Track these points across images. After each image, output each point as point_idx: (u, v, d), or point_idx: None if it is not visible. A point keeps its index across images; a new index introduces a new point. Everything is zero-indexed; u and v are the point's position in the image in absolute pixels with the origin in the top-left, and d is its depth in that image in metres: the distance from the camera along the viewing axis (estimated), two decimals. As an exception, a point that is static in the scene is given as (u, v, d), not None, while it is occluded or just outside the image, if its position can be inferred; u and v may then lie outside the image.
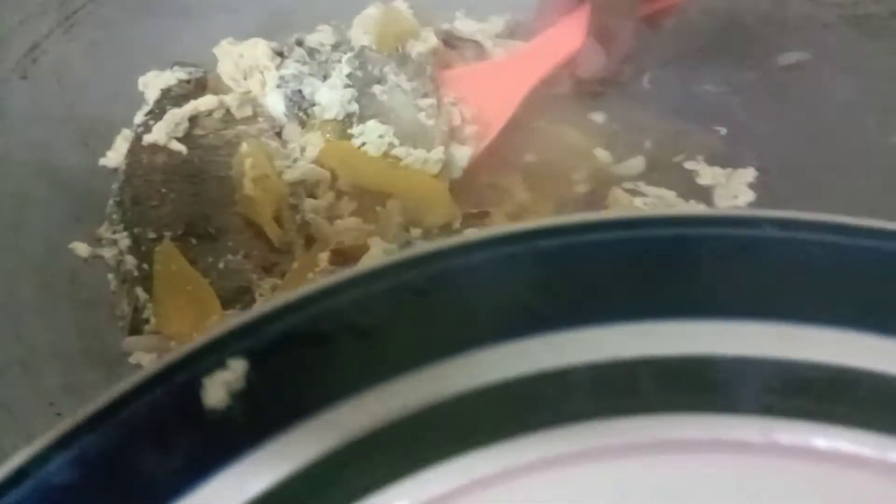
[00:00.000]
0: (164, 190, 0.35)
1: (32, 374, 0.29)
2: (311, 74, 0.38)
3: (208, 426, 0.16)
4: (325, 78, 0.38)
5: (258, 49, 0.39)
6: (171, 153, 0.36)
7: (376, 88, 0.36)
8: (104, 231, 0.35)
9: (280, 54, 0.39)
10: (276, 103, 0.38)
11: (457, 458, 0.17)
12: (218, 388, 0.16)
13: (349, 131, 0.36)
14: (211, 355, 0.17)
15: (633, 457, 0.17)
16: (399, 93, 0.37)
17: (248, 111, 0.38)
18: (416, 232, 0.34)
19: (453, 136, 0.37)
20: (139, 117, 0.38)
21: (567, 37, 0.39)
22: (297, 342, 0.17)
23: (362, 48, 0.38)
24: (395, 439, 0.17)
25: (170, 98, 0.38)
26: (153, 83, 0.40)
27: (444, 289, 0.18)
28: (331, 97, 0.36)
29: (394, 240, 0.32)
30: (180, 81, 0.39)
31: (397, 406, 0.17)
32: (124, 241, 0.33)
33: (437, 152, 0.35)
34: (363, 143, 0.35)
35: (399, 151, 0.35)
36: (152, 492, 0.16)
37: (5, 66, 0.37)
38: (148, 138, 0.36)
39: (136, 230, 0.33)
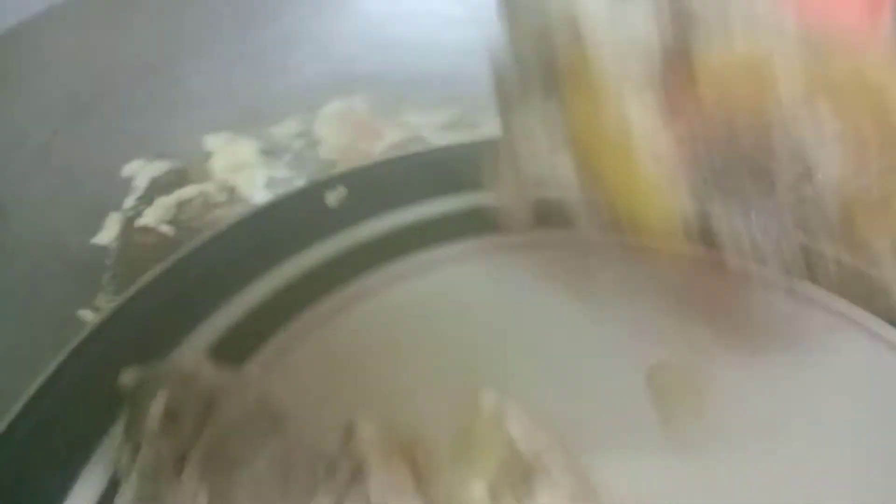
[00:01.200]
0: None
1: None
2: None
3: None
4: None
5: (247, 148, 0.46)
6: (159, 235, 0.42)
7: None
8: (101, 300, 0.40)
9: (269, 153, 0.46)
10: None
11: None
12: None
13: None
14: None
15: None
16: None
17: (224, 197, 0.45)
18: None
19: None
20: (129, 202, 0.44)
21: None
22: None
23: None
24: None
25: (158, 186, 0.44)
26: (137, 171, 0.46)
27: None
28: None
29: None
30: (168, 171, 0.45)
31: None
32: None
33: None
34: None
35: None
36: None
37: (22, 160, 0.43)
38: (140, 221, 0.42)
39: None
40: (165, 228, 0.42)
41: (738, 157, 0.20)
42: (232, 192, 0.46)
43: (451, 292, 0.28)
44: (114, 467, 0.24)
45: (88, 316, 0.40)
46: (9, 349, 0.36)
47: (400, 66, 0.55)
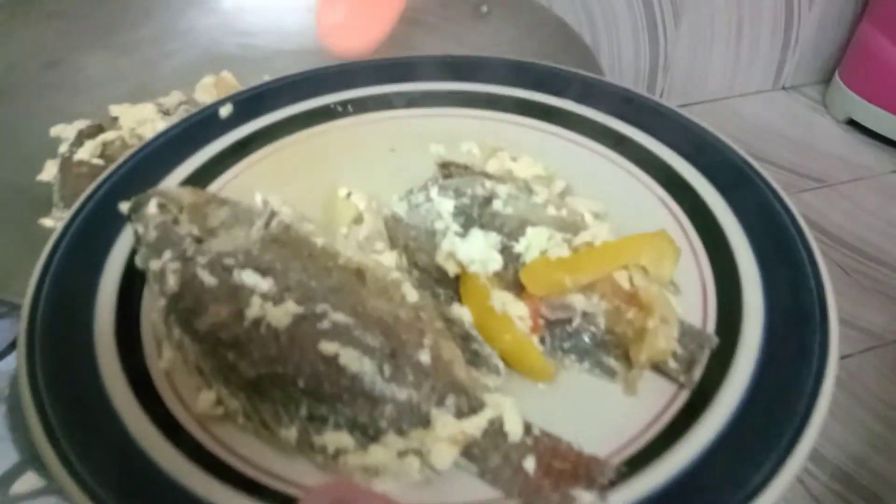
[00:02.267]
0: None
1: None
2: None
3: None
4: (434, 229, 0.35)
5: (147, 109, 0.61)
6: (92, 165, 0.57)
7: (496, 204, 0.35)
8: (53, 213, 0.54)
9: (165, 112, 0.61)
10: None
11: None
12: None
13: (516, 250, 0.33)
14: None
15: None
16: (515, 198, 0.36)
17: (136, 141, 0.60)
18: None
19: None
20: (63, 147, 0.58)
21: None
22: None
23: (443, 182, 0.37)
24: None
25: (84, 136, 0.59)
26: (62, 131, 0.60)
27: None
28: (482, 250, 0.33)
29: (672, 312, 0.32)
30: (88, 126, 0.60)
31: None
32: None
33: (599, 225, 0.34)
34: (532, 255, 0.33)
35: (564, 241, 0.33)
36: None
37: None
38: (77, 157, 0.57)
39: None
40: (96, 161, 0.57)
41: (565, 321, 0.32)
42: (140, 138, 0.61)
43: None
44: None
45: (48, 223, 0.54)
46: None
47: (253, 47, 0.72)
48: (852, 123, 1.12)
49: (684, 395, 0.30)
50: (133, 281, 0.36)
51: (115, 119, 0.63)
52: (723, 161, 0.40)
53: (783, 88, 1.22)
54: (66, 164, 0.57)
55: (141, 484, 0.26)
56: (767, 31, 1.13)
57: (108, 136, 0.59)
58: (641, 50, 1.05)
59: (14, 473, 0.47)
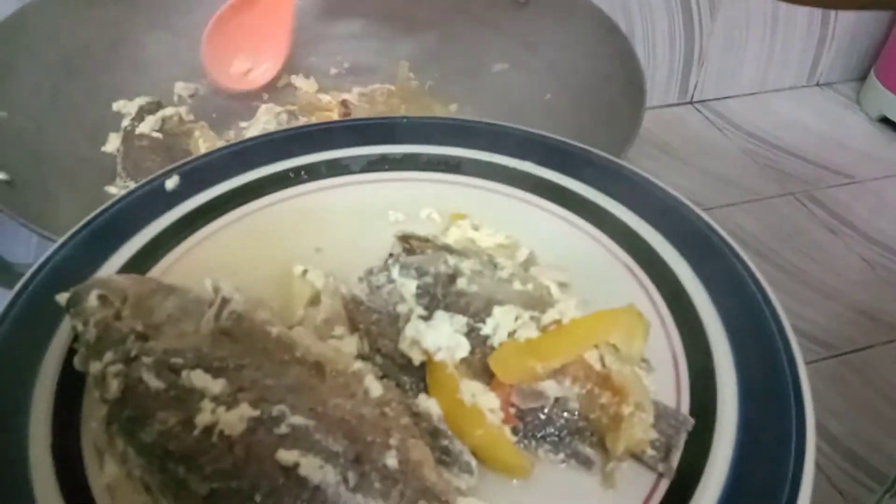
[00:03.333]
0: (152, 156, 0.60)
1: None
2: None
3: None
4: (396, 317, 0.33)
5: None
6: (152, 139, 0.61)
7: (460, 282, 0.34)
8: (117, 182, 0.59)
9: None
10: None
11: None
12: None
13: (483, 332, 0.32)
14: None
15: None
16: (480, 273, 0.35)
17: (192, 116, 0.64)
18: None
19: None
20: (126, 121, 0.63)
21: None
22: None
23: (405, 260, 0.36)
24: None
25: (144, 111, 0.63)
26: (123, 105, 0.65)
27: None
28: (448, 336, 0.31)
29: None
30: (148, 103, 0.64)
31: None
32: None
33: (566, 300, 0.33)
34: (500, 337, 0.32)
35: (532, 320, 0.32)
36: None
37: (41, 101, 0.61)
38: (138, 130, 0.61)
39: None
40: (156, 134, 0.61)
41: (537, 409, 0.30)
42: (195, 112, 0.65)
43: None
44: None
45: (113, 190, 0.58)
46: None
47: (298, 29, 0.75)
48: (885, 122, 1.13)
49: (665, 484, 0.29)
50: (72, 383, 0.32)
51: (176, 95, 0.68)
52: (691, 229, 0.39)
53: (817, 85, 1.22)
54: (129, 137, 0.61)
55: None
56: (803, 27, 1.14)
57: (167, 111, 0.63)
58: (676, 43, 1.07)
59: None
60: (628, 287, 0.37)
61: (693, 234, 0.38)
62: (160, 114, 0.63)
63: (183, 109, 0.65)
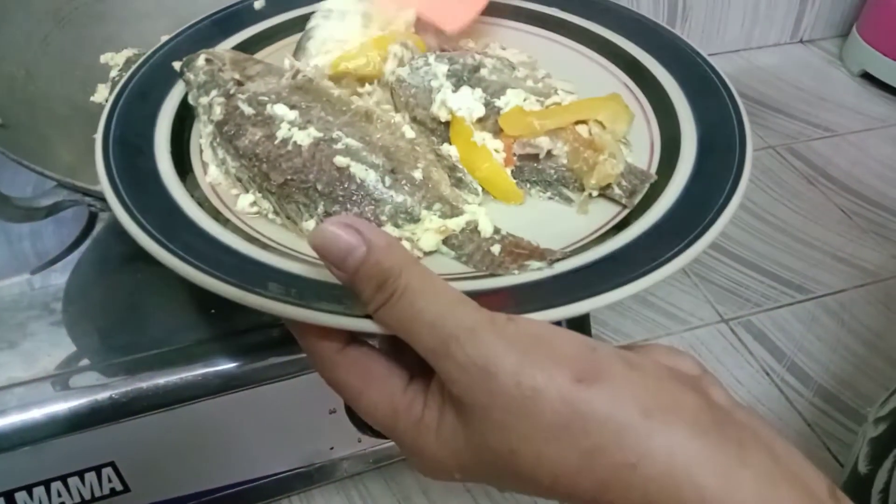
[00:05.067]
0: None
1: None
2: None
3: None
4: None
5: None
6: (141, 89, 0.62)
7: (483, 72, 0.42)
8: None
9: None
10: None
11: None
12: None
13: (497, 104, 0.39)
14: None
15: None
16: (500, 70, 0.43)
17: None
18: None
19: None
20: (114, 72, 0.64)
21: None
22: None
23: (440, 53, 0.44)
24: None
25: (131, 62, 0.64)
26: (111, 58, 0.66)
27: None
28: (469, 101, 0.39)
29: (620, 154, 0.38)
30: (135, 54, 0.65)
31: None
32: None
33: (569, 96, 0.41)
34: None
35: (538, 102, 0.40)
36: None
37: (32, 50, 0.62)
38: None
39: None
40: (144, 84, 0.62)
41: (533, 158, 0.38)
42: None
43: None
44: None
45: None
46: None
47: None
48: (867, 77, 1.14)
49: (625, 213, 0.36)
50: (183, 122, 0.42)
51: (161, 48, 0.69)
52: (676, 50, 0.46)
53: (801, 41, 1.24)
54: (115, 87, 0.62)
55: (194, 243, 0.33)
56: (787, -16, 1.15)
57: (155, 62, 0.64)
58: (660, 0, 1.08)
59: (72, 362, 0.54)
60: (625, 97, 0.43)
61: (679, 53, 0.46)
62: (148, 64, 0.64)
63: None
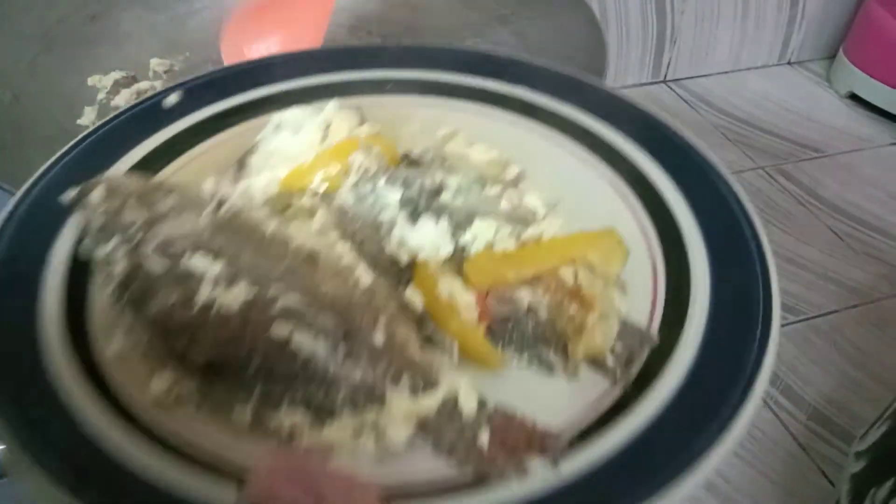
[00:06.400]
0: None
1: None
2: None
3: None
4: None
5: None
6: (129, 112, 0.62)
7: (446, 196, 0.35)
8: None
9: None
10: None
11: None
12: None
13: (462, 241, 0.33)
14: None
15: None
16: (466, 190, 0.36)
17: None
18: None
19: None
20: (101, 95, 0.63)
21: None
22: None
23: (392, 172, 0.36)
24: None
25: (119, 85, 0.64)
26: (98, 81, 0.66)
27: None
28: (432, 236, 0.33)
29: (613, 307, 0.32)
30: (123, 77, 0.65)
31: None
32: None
33: (551, 219, 0.34)
34: (478, 247, 0.33)
35: (512, 235, 0.33)
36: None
37: (21, 72, 0.61)
38: (113, 103, 0.62)
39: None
40: (132, 107, 0.62)
41: (507, 313, 0.32)
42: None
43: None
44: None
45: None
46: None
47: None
48: (854, 98, 1.15)
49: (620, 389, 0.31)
50: (80, 271, 0.35)
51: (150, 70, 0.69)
52: (680, 152, 0.40)
53: (789, 63, 1.24)
54: (104, 110, 0.62)
55: (91, 469, 0.26)
56: (774, 7, 1.16)
57: (142, 85, 0.64)
58: (649, 21, 1.08)
59: None
60: (617, 210, 0.38)
61: (683, 156, 0.39)
62: (135, 87, 0.64)
63: (158, 84, 0.66)
